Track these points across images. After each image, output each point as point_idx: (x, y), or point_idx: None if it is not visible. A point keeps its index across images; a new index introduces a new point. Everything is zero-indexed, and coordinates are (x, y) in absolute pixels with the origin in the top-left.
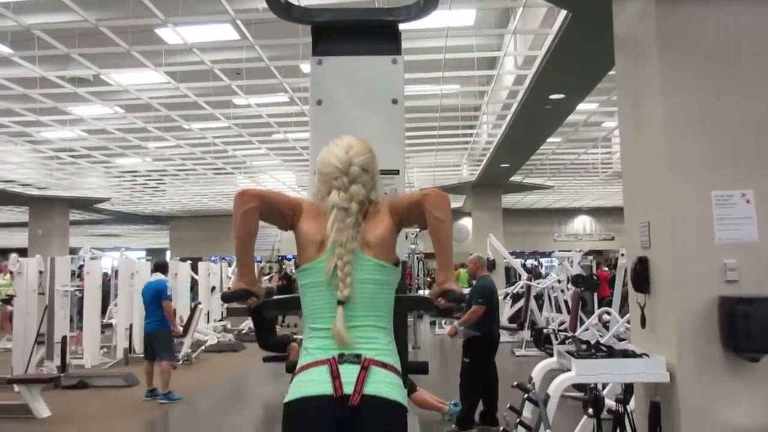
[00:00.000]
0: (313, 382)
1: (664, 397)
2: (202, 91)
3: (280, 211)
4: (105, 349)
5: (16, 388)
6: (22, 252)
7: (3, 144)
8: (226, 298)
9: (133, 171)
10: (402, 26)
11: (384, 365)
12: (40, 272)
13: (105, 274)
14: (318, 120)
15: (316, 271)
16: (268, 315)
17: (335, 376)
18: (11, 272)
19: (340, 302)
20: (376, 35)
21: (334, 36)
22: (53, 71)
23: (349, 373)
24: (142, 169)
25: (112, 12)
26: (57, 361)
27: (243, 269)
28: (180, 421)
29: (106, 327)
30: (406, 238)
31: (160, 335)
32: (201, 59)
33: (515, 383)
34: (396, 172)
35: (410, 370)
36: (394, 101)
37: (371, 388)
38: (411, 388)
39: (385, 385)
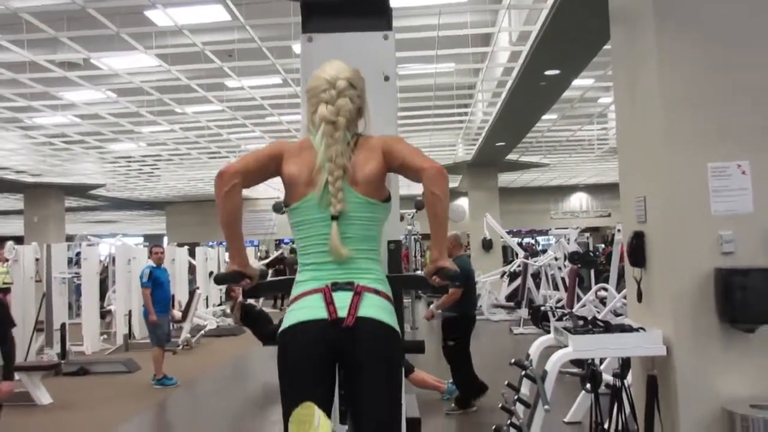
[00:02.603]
0: (307, 309)
1: (661, 370)
2: (194, 74)
3: (264, 171)
4: (105, 336)
5: (16, 375)
6: (19, 240)
7: None
8: (219, 279)
9: (128, 156)
10: (394, 2)
11: (376, 292)
12: (37, 260)
13: (103, 263)
14: None
15: (306, 208)
16: (262, 296)
17: (329, 302)
18: (7, 260)
19: (333, 217)
20: (367, 11)
21: (324, 12)
22: (43, 55)
23: (342, 299)
24: (137, 155)
25: None
26: (57, 348)
27: (234, 251)
28: (180, 405)
29: (106, 313)
30: (402, 219)
31: (148, 322)
32: (192, 41)
33: (513, 360)
34: None
35: (407, 349)
36: (386, 78)
37: (365, 312)
38: (408, 368)
39: (378, 309)
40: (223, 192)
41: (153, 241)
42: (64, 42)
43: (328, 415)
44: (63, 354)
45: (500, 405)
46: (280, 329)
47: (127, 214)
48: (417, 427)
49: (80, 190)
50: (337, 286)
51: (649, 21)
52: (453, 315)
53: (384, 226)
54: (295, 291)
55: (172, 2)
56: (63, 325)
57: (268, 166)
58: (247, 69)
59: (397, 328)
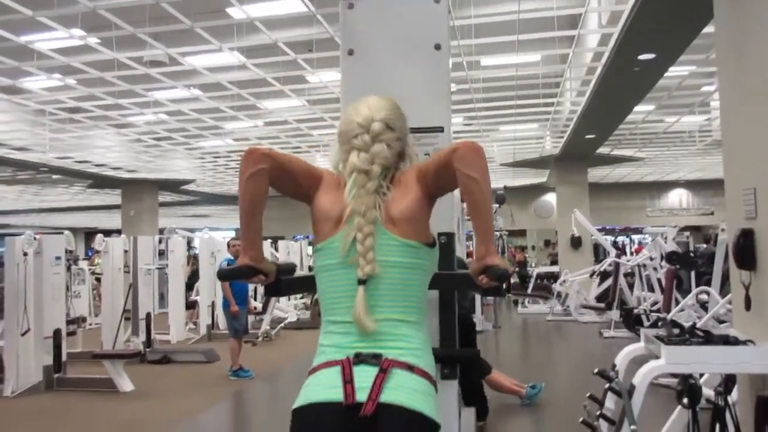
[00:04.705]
0: (321, 387)
1: None
2: (272, 68)
3: (294, 179)
4: (193, 325)
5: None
6: (118, 233)
7: (90, 129)
8: (223, 275)
9: (214, 153)
10: None
11: (410, 368)
12: (125, 251)
13: (195, 255)
14: (350, 73)
15: (332, 251)
16: (285, 294)
17: (347, 380)
18: (98, 251)
19: (360, 281)
20: None
21: None
22: (128, 53)
23: (364, 377)
24: (223, 151)
25: None
26: (143, 337)
27: (247, 242)
28: (253, 398)
29: (194, 303)
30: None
31: (225, 313)
32: (268, 35)
33: (596, 370)
34: (440, 130)
35: (459, 359)
36: (437, 47)
37: (390, 396)
38: (486, 369)
39: (408, 392)
40: (248, 173)
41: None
42: (145, 40)
43: None
44: (148, 342)
45: (581, 419)
46: (293, 407)
47: (219, 208)
48: None
49: (172, 186)
50: (360, 358)
51: None
52: None
53: (436, 225)
54: (315, 360)
55: None
56: (148, 315)
57: (300, 181)
58: (325, 61)
59: (434, 417)
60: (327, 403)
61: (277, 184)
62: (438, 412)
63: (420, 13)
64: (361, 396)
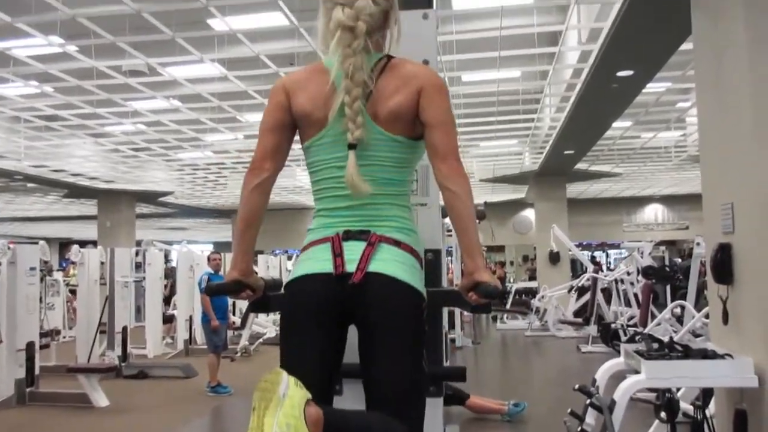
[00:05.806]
0: (312, 260)
1: (752, 405)
2: (253, 81)
3: (282, 130)
4: (170, 340)
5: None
6: (94, 244)
7: (67, 137)
8: (212, 290)
9: (193, 165)
10: (456, 5)
11: (396, 243)
12: (102, 263)
13: (172, 268)
14: None
15: (319, 146)
16: (273, 311)
17: (337, 253)
18: (74, 263)
19: (351, 146)
20: None
21: None
22: (106, 62)
23: (353, 250)
24: (202, 163)
25: (162, 3)
26: (119, 351)
27: (239, 255)
28: (231, 414)
29: (171, 317)
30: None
31: (204, 328)
32: (250, 48)
33: (577, 386)
34: None
35: (445, 376)
36: (425, 63)
37: (378, 266)
38: (463, 397)
39: (394, 263)
40: (254, 184)
41: (223, 249)
42: (125, 49)
43: (330, 379)
44: (124, 357)
45: None
46: (285, 282)
47: (197, 221)
48: None
49: (150, 197)
50: (349, 235)
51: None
52: None
53: (423, 229)
54: (305, 240)
55: (231, 6)
56: (124, 328)
57: (285, 123)
58: None
59: (419, 287)
60: (318, 274)
61: (285, 156)
62: (422, 285)
63: (408, 28)
64: (350, 267)
